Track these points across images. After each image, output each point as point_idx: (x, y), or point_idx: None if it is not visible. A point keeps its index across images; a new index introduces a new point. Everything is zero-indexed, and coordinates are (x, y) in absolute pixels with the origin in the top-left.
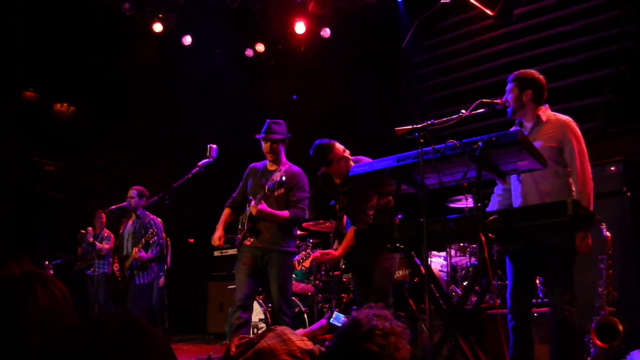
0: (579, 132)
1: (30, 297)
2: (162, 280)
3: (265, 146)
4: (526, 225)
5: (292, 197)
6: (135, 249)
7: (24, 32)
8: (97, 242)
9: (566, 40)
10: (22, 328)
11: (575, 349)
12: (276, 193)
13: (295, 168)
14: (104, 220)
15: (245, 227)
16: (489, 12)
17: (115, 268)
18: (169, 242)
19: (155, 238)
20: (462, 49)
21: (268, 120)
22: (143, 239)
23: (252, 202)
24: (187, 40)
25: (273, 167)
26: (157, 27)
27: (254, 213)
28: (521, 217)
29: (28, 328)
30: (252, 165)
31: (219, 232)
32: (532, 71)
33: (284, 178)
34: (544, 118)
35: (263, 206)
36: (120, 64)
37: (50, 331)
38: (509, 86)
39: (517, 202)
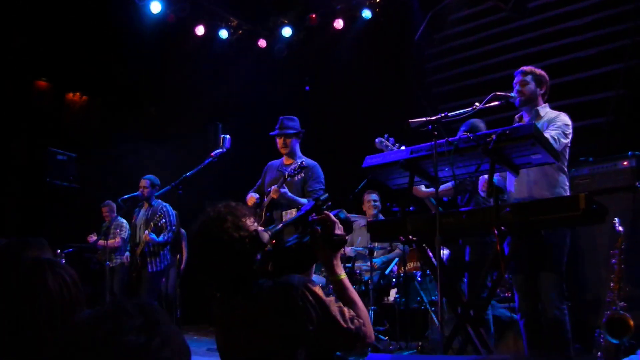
0: (570, 123)
1: (40, 285)
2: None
3: (279, 141)
4: (538, 219)
5: (307, 187)
6: (146, 232)
7: (36, 22)
8: (101, 241)
9: (577, 34)
10: (33, 315)
11: (568, 347)
12: (296, 178)
13: (311, 161)
14: (115, 209)
15: (263, 218)
16: (503, 5)
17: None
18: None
19: (164, 221)
20: (474, 42)
21: (281, 117)
22: (152, 223)
23: (273, 187)
24: (200, 30)
25: (289, 162)
26: (170, 18)
27: (275, 196)
28: (533, 211)
29: (39, 314)
30: (269, 163)
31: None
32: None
33: (303, 162)
34: (542, 113)
35: (285, 190)
36: (133, 54)
37: (61, 318)
38: (524, 78)
39: (510, 188)
